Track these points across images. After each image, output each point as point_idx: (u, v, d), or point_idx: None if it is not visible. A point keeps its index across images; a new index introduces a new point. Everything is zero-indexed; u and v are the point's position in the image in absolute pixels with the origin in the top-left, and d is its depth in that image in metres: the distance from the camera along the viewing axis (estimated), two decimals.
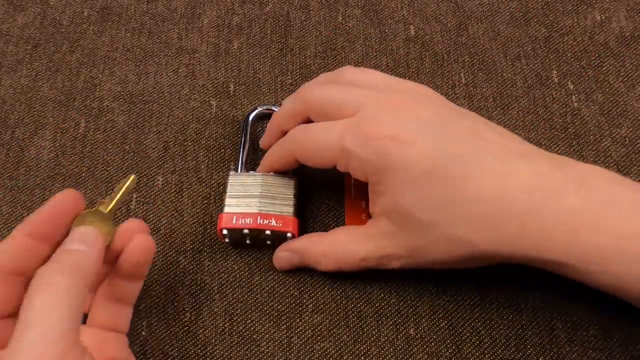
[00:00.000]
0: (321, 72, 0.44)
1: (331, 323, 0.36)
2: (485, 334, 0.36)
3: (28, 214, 0.39)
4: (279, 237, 0.37)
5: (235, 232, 0.36)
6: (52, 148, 0.42)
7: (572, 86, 0.44)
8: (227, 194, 0.37)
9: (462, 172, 0.30)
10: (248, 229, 0.36)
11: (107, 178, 0.41)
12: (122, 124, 0.43)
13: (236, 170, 0.40)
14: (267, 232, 0.36)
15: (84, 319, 0.32)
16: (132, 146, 0.42)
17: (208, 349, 0.35)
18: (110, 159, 0.42)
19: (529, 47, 0.45)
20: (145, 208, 0.40)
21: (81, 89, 0.44)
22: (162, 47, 0.46)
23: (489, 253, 0.31)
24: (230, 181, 0.38)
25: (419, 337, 0.36)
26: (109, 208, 0.31)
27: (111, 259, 0.31)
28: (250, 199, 0.37)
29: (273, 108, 0.42)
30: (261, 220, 0.36)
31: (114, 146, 0.42)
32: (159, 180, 0.41)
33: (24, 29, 0.47)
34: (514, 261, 0.31)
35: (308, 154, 0.35)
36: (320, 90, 0.35)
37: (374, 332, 0.36)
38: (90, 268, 0.28)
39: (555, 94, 0.44)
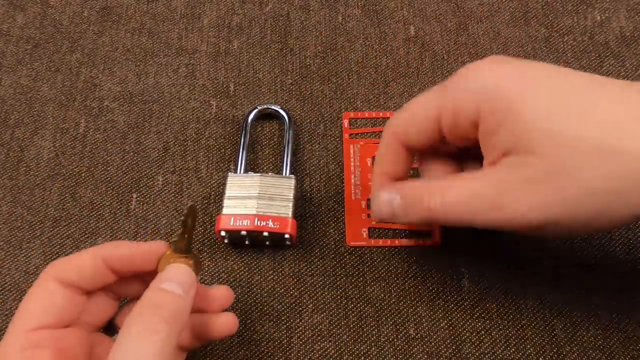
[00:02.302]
0: (321, 72, 0.44)
1: (331, 323, 0.36)
2: (485, 334, 0.36)
3: (28, 214, 0.39)
4: (277, 239, 0.37)
5: (234, 234, 0.36)
6: (52, 148, 0.42)
7: None
8: (226, 195, 0.37)
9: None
10: (246, 230, 0.36)
11: (107, 178, 0.41)
12: (122, 124, 0.43)
13: (235, 171, 0.40)
14: (265, 233, 0.36)
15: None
16: (132, 146, 0.42)
17: (208, 349, 0.35)
18: (110, 159, 0.42)
19: (529, 47, 0.45)
20: (145, 208, 0.40)
21: (81, 89, 0.44)
22: (162, 47, 0.46)
23: None
24: (228, 182, 0.38)
25: (419, 337, 0.36)
26: (185, 243, 0.31)
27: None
28: (248, 200, 0.37)
29: (273, 107, 0.42)
30: (258, 222, 0.36)
31: (114, 146, 0.42)
32: (159, 180, 0.41)
33: (24, 29, 0.47)
34: None
35: (410, 122, 0.31)
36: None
37: (374, 332, 0.36)
38: (186, 316, 0.29)
39: None
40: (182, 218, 0.32)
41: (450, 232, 0.38)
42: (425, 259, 0.38)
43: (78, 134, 0.43)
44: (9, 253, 0.38)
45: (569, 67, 0.44)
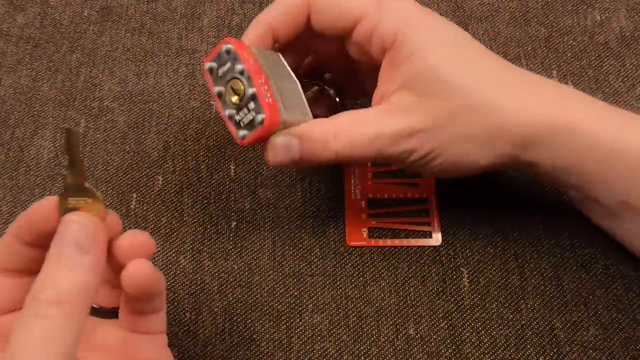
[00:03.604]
0: None
1: (331, 323, 0.36)
2: (485, 334, 0.36)
3: None
4: (249, 107, 0.30)
5: (218, 69, 0.31)
6: (52, 148, 0.42)
7: (572, 86, 0.44)
8: (258, 49, 0.31)
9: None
10: (243, 67, 0.30)
11: (107, 178, 0.41)
12: (122, 124, 0.43)
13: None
14: (251, 90, 0.30)
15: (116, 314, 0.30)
16: (132, 146, 0.42)
17: (208, 349, 0.35)
18: (110, 159, 0.42)
19: (529, 47, 0.45)
20: (145, 208, 0.40)
21: (81, 89, 0.44)
22: (162, 47, 0.46)
23: (522, 120, 0.30)
24: (272, 53, 0.32)
25: (419, 337, 0.36)
26: (78, 177, 0.26)
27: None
28: (269, 59, 0.31)
29: None
30: (260, 78, 0.30)
31: (114, 146, 0.42)
32: (159, 180, 0.41)
33: (24, 29, 0.47)
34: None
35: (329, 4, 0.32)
36: None
37: (374, 332, 0.36)
38: (89, 282, 0.24)
39: None
40: (63, 146, 0.26)
41: (450, 232, 0.38)
42: (425, 259, 0.38)
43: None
44: None
45: (569, 67, 0.44)
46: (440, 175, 0.35)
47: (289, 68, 0.33)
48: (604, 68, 0.44)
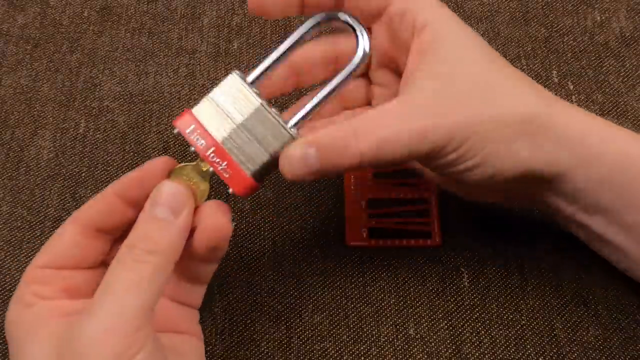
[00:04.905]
0: None
1: (331, 323, 0.36)
2: (485, 334, 0.36)
3: (28, 214, 0.39)
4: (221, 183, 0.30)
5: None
6: (52, 148, 0.42)
7: (572, 86, 0.44)
8: (213, 92, 0.30)
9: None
10: (196, 150, 0.29)
11: (107, 178, 0.41)
12: (122, 124, 0.43)
13: (244, 77, 0.31)
14: (210, 169, 0.30)
15: None
16: (132, 146, 0.42)
17: (208, 349, 0.35)
18: (110, 159, 0.42)
19: (529, 47, 0.45)
20: None
21: (81, 89, 0.44)
22: (162, 47, 0.46)
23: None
24: (225, 82, 0.30)
25: (419, 337, 0.36)
26: (208, 167, 0.29)
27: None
28: (227, 119, 0.29)
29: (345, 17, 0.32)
30: (213, 155, 0.29)
31: (114, 146, 0.42)
32: None
33: (24, 29, 0.47)
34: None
35: None
36: None
37: (374, 332, 0.36)
38: (177, 243, 0.28)
39: (555, 94, 0.43)
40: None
41: (450, 232, 0.38)
42: (425, 259, 0.38)
43: (78, 134, 0.43)
44: (9, 253, 0.38)
45: (569, 67, 0.44)
46: (481, 181, 0.30)
47: (248, 91, 0.30)
48: (604, 68, 0.44)
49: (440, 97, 0.29)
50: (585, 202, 0.31)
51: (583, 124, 0.30)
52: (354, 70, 0.31)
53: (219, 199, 0.30)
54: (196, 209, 0.29)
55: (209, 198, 0.30)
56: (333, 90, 0.30)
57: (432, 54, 0.30)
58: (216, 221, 0.29)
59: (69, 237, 0.29)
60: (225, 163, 0.29)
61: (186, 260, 0.29)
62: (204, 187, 0.29)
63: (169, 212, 0.28)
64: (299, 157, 0.28)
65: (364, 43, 0.31)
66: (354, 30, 0.31)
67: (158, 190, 0.28)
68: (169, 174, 0.30)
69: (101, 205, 0.30)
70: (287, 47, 0.31)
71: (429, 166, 0.31)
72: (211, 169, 0.29)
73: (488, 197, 0.35)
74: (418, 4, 0.31)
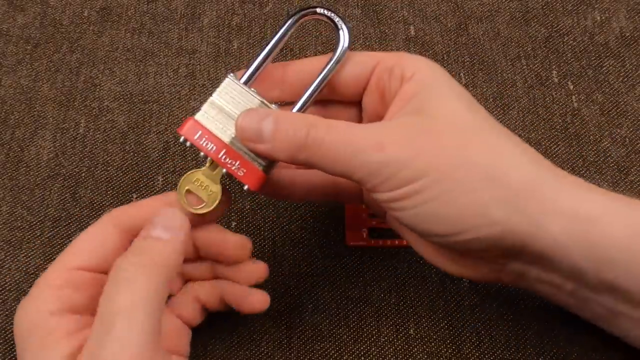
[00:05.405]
0: None
1: (331, 323, 0.36)
2: (485, 334, 0.36)
3: (28, 214, 0.39)
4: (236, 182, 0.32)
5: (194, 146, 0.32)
6: (52, 148, 0.42)
7: (572, 86, 0.44)
8: (212, 98, 0.31)
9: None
10: (207, 155, 0.30)
11: (107, 178, 0.41)
12: (122, 124, 0.43)
13: (239, 78, 0.32)
14: (224, 170, 0.31)
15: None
16: (132, 146, 0.42)
17: (208, 348, 0.35)
18: (110, 159, 0.42)
19: (529, 47, 0.45)
20: None
21: (81, 89, 0.44)
22: (162, 47, 0.46)
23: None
24: (222, 86, 0.31)
25: (419, 337, 0.36)
26: (218, 169, 0.30)
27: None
28: (231, 120, 0.30)
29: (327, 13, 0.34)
30: (224, 157, 0.30)
31: (114, 146, 0.42)
32: (159, 180, 0.41)
33: (24, 29, 0.47)
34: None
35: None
36: None
37: (374, 332, 0.36)
38: (173, 261, 0.28)
39: (555, 94, 0.44)
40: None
41: None
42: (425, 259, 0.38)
43: (78, 134, 0.43)
44: (9, 253, 0.38)
45: (569, 67, 0.44)
46: (449, 238, 0.28)
47: (247, 91, 0.31)
48: (604, 68, 0.44)
49: (412, 130, 0.28)
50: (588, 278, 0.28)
51: (575, 199, 0.27)
52: (339, 59, 0.32)
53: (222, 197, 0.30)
54: (208, 215, 0.31)
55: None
56: (323, 80, 0.32)
57: (415, 98, 0.30)
58: (260, 299, 0.32)
59: (111, 239, 0.29)
60: (238, 162, 0.30)
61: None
62: (216, 189, 0.30)
63: (165, 231, 0.28)
64: (256, 116, 0.29)
65: (343, 35, 0.32)
66: (331, 20, 0.33)
67: (153, 217, 0.29)
68: (182, 182, 0.31)
69: (142, 213, 0.30)
70: (274, 45, 0.33)
71: (375, 192, 0.28)
72: (224, 170, 0.30)
73: (476, 270, 0.31)
74: (406, 58, 0.31)
